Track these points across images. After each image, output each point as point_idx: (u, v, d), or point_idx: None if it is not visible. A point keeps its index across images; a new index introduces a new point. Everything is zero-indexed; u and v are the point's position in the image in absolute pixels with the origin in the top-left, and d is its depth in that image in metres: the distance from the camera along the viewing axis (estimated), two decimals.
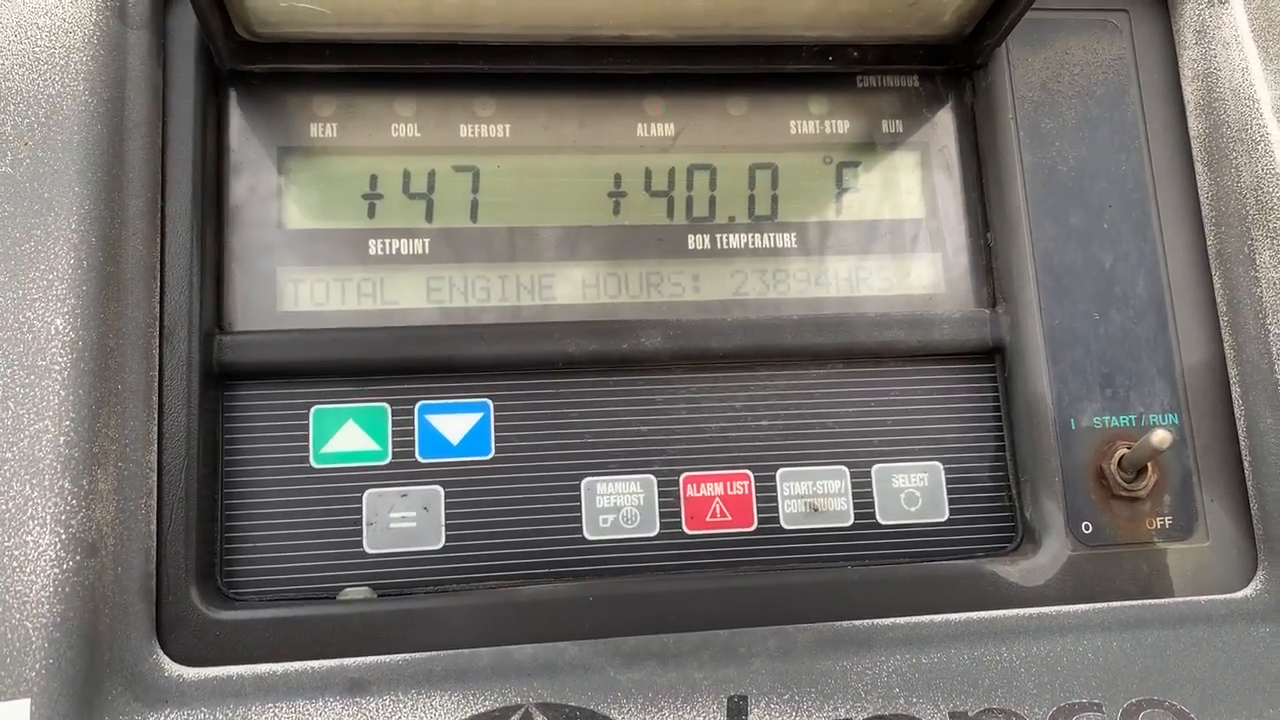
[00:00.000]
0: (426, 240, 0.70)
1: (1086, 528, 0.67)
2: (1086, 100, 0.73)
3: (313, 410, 0.66)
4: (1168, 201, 0.73)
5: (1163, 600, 0.66)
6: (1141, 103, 0.74)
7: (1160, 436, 0.64)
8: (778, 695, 0.59)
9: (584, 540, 0.67)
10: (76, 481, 0.56)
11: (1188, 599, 0.66)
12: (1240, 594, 0.67)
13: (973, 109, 0.75)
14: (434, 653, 0.60)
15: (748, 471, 0.69)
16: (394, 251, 0.69)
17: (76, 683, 0.54)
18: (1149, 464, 0.68)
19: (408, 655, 0.59)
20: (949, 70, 0.75)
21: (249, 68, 0.68)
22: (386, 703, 0.58)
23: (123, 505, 0.58)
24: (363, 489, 0.66)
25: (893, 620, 0.63)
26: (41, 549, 0.54)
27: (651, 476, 0.68)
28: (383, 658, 0.59)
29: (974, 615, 0.64)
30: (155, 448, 0.61)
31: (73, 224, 0.59)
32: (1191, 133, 0.73)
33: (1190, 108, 0.74)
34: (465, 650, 0.60)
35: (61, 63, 0.61)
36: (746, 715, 0.58)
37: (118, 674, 0.56)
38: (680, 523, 0.68)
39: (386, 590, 0.64)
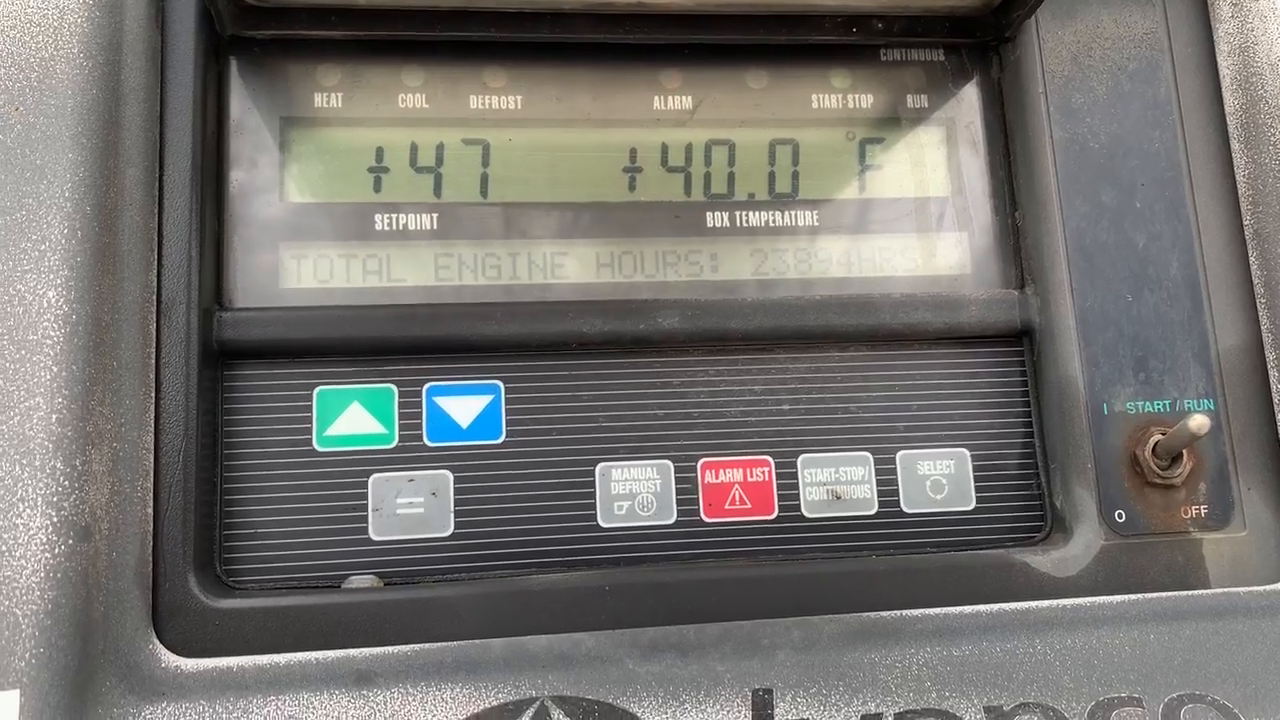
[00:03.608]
0: (435, 215, 0.67)
1: (1120, 516, 0.65)
2: (1118, 75, 0.71)
3: (316, 391, 0.64)
4: (1202, 179, 0.70)
5: (1199, 592, 0.64)
6: (1175, 77, 0.72)
7: (1198, 422, 0.62)
8: (804, 688, 0.56)
9: (598, 528, 0.64)
10: (69, 462, 0.53)
11: (1225, 590, 0.64)
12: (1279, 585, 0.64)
13: (1000, 84, 0.73)
14: (443, 644, 0.57)
15: (768, 458, 0.66)
16: (401, 227, 0.67)
17: (68, 673, 0.51)
18: (1184, 451, 0.66)
19: (416, 646, 0.57)
20: (976, 43, 0.73)
21: (251, 33, 0.66)
22: (394, 695, 0.55)
23: (118, 487, 0.55)
24: (368, 473, 0.63)
25: (921, 611, 0.61)
26: (32, 532, 0.52)
27: (668, 462, 0.66)
28: (389, 649, 0.56)
29: (1006, 606, 0.61)
30: (152, 428, 0.58)
31: (66, 192, 0.56)
32: (1227, 108, 0.71)
33: (1226, 82, 0.71)
34: (476, 641, 0.57)
35: (55, 24, 0.58)
36: (772, 709, 0.56)
37: (112, 664, 0.53)
38: (698, 510, 0.65)
39: (393, 579, 0.61)
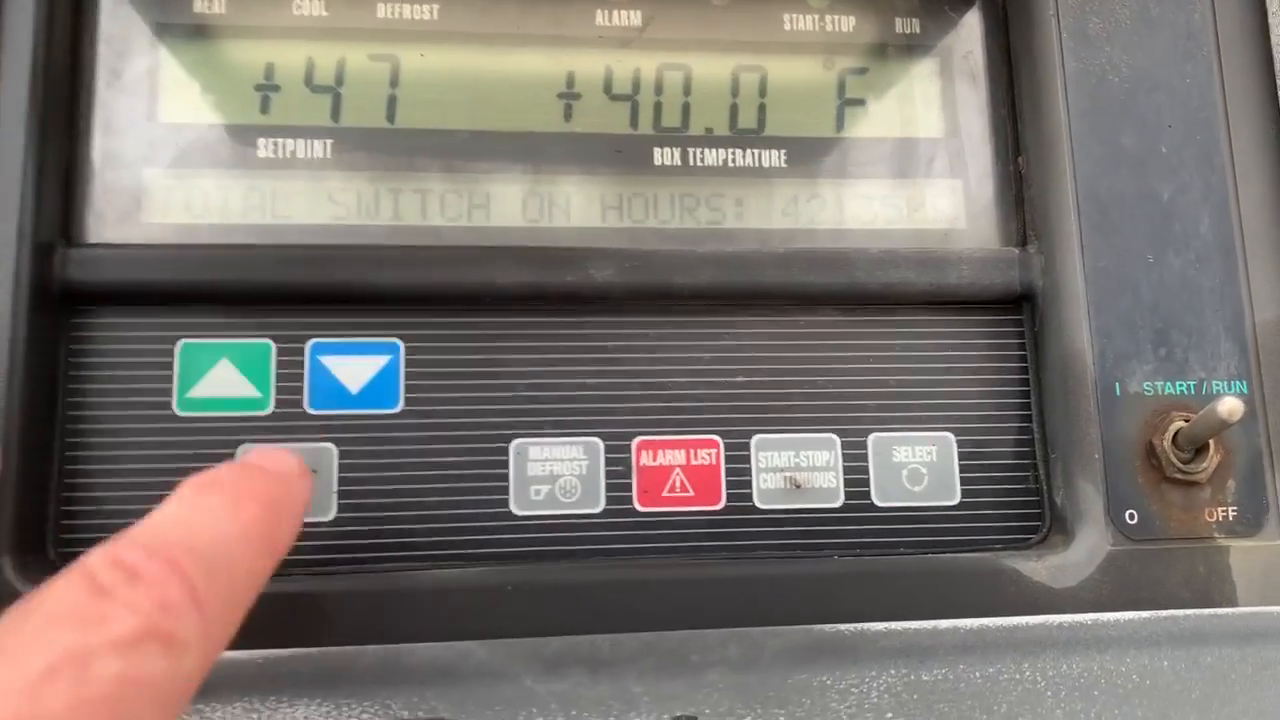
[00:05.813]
0: (330, 142, 0.57)
1: (1131, 517, 0.55)
2: None
3: (179, 344, 0.54)
4: (1241, 122, 0.60)
5: (1225, 610, 0.54)
6: (1213, 2, 0.62)
7: (1229, 406, 0.52)
8: (736, 716, 0.47)
9: (511, 515, 0.55)
10: None
11: (1255, 609, 0.55)
12: None
13: (1004, 8, 0.63)
14: (305, 650, 0.48)
15: (716, 438, 0.57)
16: (289, 154, 0.57)
17: None
18: (1211, 441, 0.56)
19: (272, 651, 0.48)
20: None
21: None
22: (236, 711, 0.45)
23: None
24: (237, 443, 0.54)
25: (888, 625, 0.52)
26: None
27: (598, 440, 0.56)
28: (237, 654, 0.47)
29: (989, 622, 0.52)
30: None
31: None
32: (1274, 39, 0.61)
33: (1272, 8, 0.61)
34: (346, 648, 0.48)
35: None
36: None
37: None
38: (631, 497, 0.56)
39: None
